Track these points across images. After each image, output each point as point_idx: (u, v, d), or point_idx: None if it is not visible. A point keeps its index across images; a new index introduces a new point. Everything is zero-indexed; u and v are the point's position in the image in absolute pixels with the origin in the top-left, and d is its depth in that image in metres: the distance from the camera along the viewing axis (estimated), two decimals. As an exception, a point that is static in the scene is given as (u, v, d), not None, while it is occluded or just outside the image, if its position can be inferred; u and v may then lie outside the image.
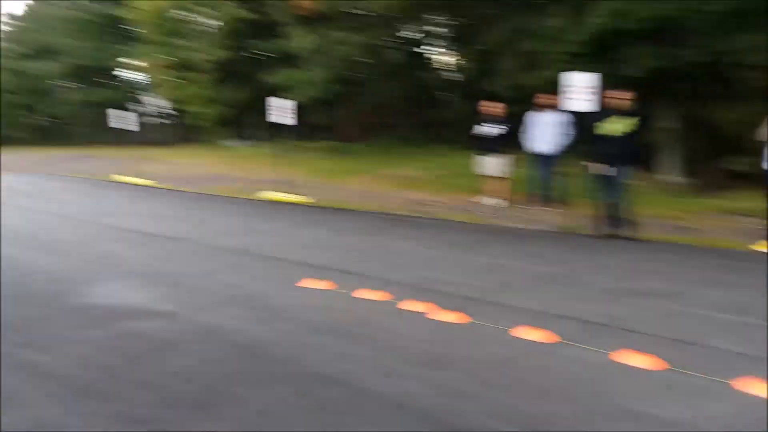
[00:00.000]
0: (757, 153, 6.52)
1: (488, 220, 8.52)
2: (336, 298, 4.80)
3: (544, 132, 8.97)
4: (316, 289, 5.04)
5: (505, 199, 9.39)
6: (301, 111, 11.64)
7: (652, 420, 2.80)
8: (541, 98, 8.99)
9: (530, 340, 3.83)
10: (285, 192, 11.19)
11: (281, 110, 11.25)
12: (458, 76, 19.60)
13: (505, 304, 4.61)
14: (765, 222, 6.42)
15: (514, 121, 9.35)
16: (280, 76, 16.30)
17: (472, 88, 15.38)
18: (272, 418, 2.85)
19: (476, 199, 9.72)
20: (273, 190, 11.44)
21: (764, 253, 6.11)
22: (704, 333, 3.95)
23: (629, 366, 3.43)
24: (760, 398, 3.00)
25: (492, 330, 4.02)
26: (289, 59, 16.57)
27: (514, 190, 9.41)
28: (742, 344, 3.72)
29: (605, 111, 6.91)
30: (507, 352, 3.67)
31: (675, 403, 2.97)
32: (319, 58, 14.73)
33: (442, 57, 20.00)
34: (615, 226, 6.95)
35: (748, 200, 7.62)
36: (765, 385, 3.10)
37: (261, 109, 12.63)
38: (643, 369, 3.38)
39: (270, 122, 11.59)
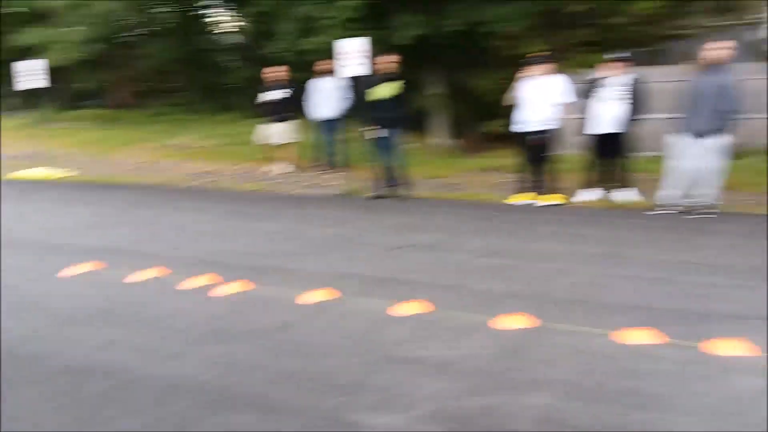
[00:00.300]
0: (510, 116, 7.33)
1: (275, 187, 8.45)
2: (104, 283, 4.37)
3: (326, 97, 9.09)
4: (80, 274, 4.53)
5: (291, 166, 9.39)
6: (61, 74, 10.24)
7: (420, 361, 3.04)
8: (321, 64, 9.07)
9: (314, 302, 3.90)
10: (42, 167, 9.85)
11: (30, 74, 9.78)
12: (239, 40, 18.94)
13: (291, 270, 4.63)
14: (515, 177, 7.31)
15: (298, 87, 9.32)
16: (29, 35, 14.14)
17: (254, 53, 14.97)
18: (22, 422, 2.51)
19: (263, 166, 9.57)
20: (27, 166, 9.99)
21: (515, 204, 6.97)
22: (467, 277, 4.39)
23: (403, 314, 3.67)
24: (512, 330, 3.43)
25: (277, 297, 4.00)
26: (40, 16, 14.45)
27: (300, 157, 9.45)
28: (498, 284, 4.21)
29: (375, 76, 7.23)
30: (292, 317, 3.68)
31: (440, 343, 3.25)
32: (76, 15, 13.05)
33: (221, 19, 19.11)
34: (391, 186, 7.38)
35: (504, 159, 8.59)
36: (517, 317, 3.54)
37: (8, 74, 10.85)
38: (415, 315, 3.65)
39: (20, 89, 10.03)
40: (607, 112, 6.57)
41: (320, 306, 3.85)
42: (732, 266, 4.48)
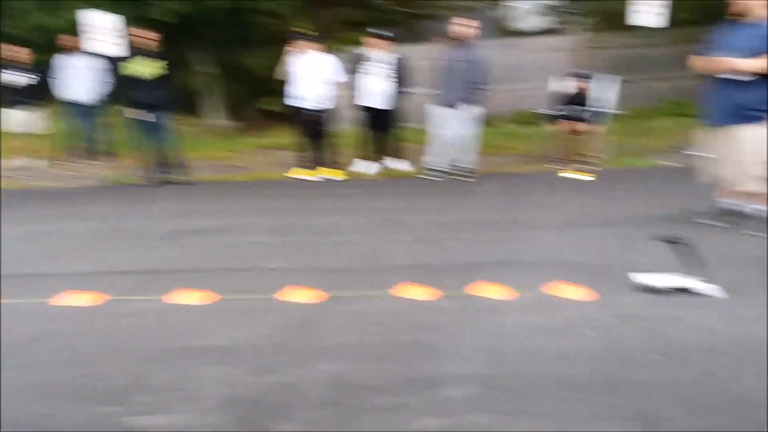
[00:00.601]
0: (284, 93, 7.27)
1: (23, 183, 7.34)
2: None
3: (78, 78, 8.11)
4: None
5: (41, 157, 8.23)
6: None
7: (203, 352, 2.86)
8: (69, 41, 8.04)
9: (76, 307, 3.45)
10: None
11: None
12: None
13: (46, 274, 4.05)
14: (294, 153, 7.32)
15: (43, 68, 8.17)
16: None
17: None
18: None
19: (5, 160, 8.25)
20: None
21: (296, 178, 7.00)
22: (253, 258, 4.26)
23: (184, 305, 3.43)
24: (298, 306, 3.40)
25: (26, 307, 3.46)
26: None
27: (52, 146, 8.34)
28: (285, 261, 4.15)
29: (132, 53, 6.63)
30: (47, 327, 3.20)
31: (225, 330, 3.10)
32: None
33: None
34: (165, 171, 6.89)
35: (282, 136, 8.55)
36: (303, 292, 3.52)
37: None
38: (198, 305, 3.43)
39: None
40: (375, 88, 6.87)
41: (84, 311, 3.42)
42: (492, 222, 5.00)
